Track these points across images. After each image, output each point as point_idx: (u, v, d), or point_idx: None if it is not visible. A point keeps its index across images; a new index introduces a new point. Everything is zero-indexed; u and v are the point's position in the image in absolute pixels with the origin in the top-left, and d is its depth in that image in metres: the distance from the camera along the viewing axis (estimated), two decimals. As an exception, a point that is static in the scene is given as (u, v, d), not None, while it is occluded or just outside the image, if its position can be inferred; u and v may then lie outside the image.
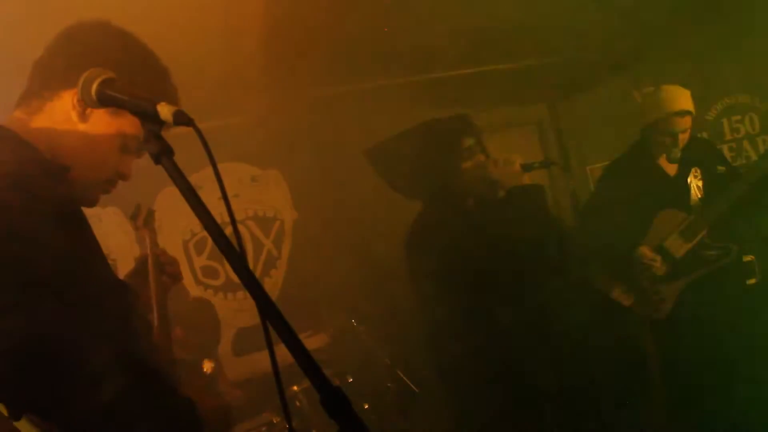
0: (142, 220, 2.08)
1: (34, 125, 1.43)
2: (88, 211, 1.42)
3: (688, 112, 3.34)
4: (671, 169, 3.45)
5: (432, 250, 2.54)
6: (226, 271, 4.37)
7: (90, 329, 1.20)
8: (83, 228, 1.35)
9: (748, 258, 3.55)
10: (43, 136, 1.40)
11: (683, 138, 3.36)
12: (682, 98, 3.36)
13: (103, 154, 1.48)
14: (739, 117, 5.41)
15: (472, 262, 2.43)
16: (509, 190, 2.58)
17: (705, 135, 5.13)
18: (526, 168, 2.64)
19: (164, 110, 1.18)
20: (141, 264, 1.99)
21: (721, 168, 3.44)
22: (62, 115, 1.43)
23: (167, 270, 1.98)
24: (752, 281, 3.59)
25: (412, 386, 3.67)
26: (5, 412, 1.16)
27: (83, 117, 1.43)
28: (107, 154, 1.49)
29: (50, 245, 1.20)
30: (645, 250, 3.31)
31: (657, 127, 3.38)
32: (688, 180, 3.41)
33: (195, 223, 4.23)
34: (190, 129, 1.19)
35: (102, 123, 1.45)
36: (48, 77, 1.44)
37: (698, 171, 3.42)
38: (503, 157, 2.63)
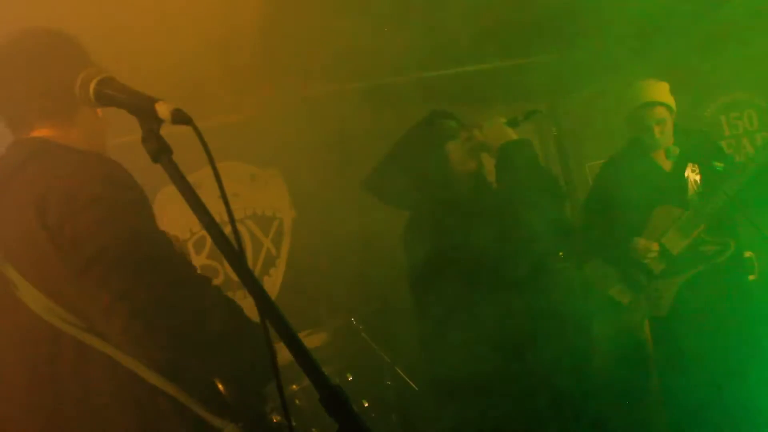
0: None
1: (74, 136, 1.53)
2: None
3: (658, 103, 3.32)
4: (667, 165, 3.43)
5: (427, 242, 2.51)
6: (225, 270, 4.36)
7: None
8: None
9: (748, 254, 3.54)
10: (85, 143, 1.54)
11: (660, 130, 3.34)
12: (651, 90, 3.34)
13: None
14: (737, 113, 5.39)
15: (470, 254, 2.39)
16: (500, 148, 2.53)
17: (703, 131, 5.12)
18: (512, 123, 2.61)
19: (162, 108, 1.17)
20: None
21: (719, 163, 3.41)
22: (92, 119, 1.57)
23: None
24: (752, 277, 3.58)
25: (412, 384, 3.68)
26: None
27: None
28: None
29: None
30: (642, 245, 3.30)
31: (630, 120, 3.39)
32: (686, 175, 3.39)
33: (194, 222, 4.22)
34: (189, 128, 1.19)
35: None
36: (61, 96, 1.47)
37: (696, 166, 3.40)
38: (487, 121, 2.61)
